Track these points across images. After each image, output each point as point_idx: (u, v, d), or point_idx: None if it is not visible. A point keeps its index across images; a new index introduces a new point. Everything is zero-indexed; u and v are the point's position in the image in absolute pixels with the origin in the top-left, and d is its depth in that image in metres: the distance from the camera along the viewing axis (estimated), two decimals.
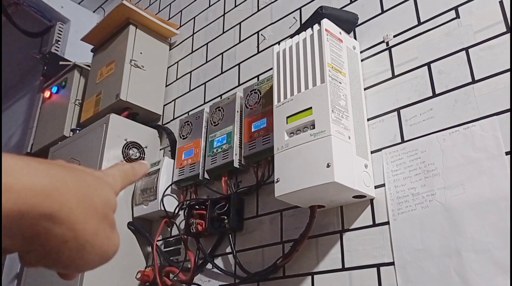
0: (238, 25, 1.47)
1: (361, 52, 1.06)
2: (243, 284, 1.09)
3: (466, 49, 0.89)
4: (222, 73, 1.44)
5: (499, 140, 0.79)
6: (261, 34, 1.36)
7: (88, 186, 0.24)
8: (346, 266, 0.92)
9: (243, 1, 1.49)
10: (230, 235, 1.14)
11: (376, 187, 0.93)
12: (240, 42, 1.43)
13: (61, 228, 0.22)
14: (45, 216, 0.21)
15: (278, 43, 1.21)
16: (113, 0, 2.27)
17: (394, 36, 1.02)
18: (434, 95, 0.91)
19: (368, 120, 0.99)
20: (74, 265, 0.24)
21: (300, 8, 1.28)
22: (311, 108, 0.91)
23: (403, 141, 0.92)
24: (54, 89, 1.91)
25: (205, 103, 1.45)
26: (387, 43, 1.03)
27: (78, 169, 0.25)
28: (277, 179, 0.91)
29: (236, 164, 1.16)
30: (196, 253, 1.20)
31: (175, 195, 1.35)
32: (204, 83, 1.49)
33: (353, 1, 1.14)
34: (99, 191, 0.25)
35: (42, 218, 0.21)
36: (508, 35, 0.84)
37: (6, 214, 0.20)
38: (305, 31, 1.00)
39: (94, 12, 2.42)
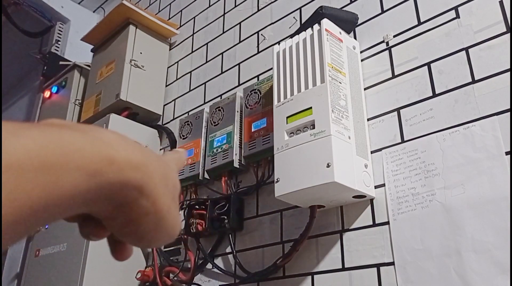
0: (238, 25, 1.47)
1: (361, 52, 1.06)
2: (243, 284, 1.09)
3: (466, 49, 0.89)
4: (222, 73, 1.44)
5: (499, 140, 0.79)
6: (261, 34, 1.36)
7: (164, 168, 0.26)
8: (346, 266, 0.92)
9: (243, 1, 1.49)
10: (230, 235, 1.14)
11: (376, 187, 0.93)
12: (240, 42, 1.43)
13: (145, 201, 0.24)
14: (136, 188, 0.23)
15: (278, 43, 1.21)
16: (113, 0, 2.27)
17: (394, 36, 1.02)
18: (434, 95, 0.91)
19: (368, 120, 0.99)
20: (147, 238, 0.26)
21: (300, 8, 1.28)
22: (311, 108, 0.91)
23: (403, 141, 0.92)
24: (54, 89, 1.91)
25: (205, 103, 1.45)
26: (387, 43, 1.03)
27: (152, 151, 0.27)
28: (277, 179, 0.91)
29: (236, 164, 1.16)
30: (196, 253, 1.20)
31: None
32: (204, 83, 1.49)
33: (353, 1, 1.14)
34: (170, 174, 0.27)
35: (133, 190, 0.23)
36: (508, 35, 0.84)
37: (108, 184, 0.22)
38: (305, 31, 1.00)
39: (94, 12, 2.42)
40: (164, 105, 1.62)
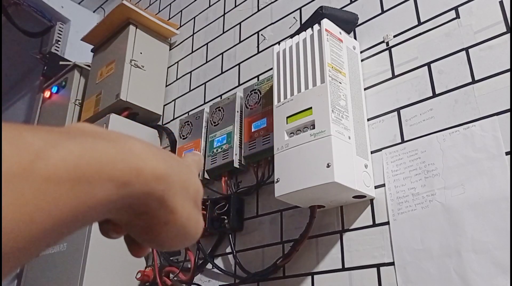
0: (238, 25, 1.47)
1: (361, 52, 1.06)
2: (243, 284, 1.09)
3: (466, 49, 0.89)
4: (222, 73, 1.44)
5: (499, 140, 0.79)
6: (261, 34, 1.36)
7: (185, 174, 0.27)
8: (346, 266, 0.92)
9: (243, 1, 1.49)
10: (230, 235, 1.14)
11: (376, 187, 0.93)
12: (240, 42, 1.43)
13: (164, 210, 0.25)
14: (157, 198, 0.24)
15: (278, 43, 1.21)
16: (113, 0, 2.27)
17: (394, 36, 1.02)
18: (434, 95, 0.91)
19: (368, 120, 0.99)
20: (167, 244, 0.27)
21: (300, 8, 1.28)
22: (311, 108, 0.91)
23: (403, 141, 0.92)
24: (54, 89, 1.91)
25: (205, 103, 1.45)
26: (387, 43, 1.03)
27: (176, 157, 0.28)
28: (277, 179, 0.91)
29: (236, 164, 1.16)
30: (196, 253, 1.20)
31: None
32: (204, 83, 1.49)
33: (353, 1, 1.14)
34: (192, 179, 0.27)
35: (155, 200, 0.24)
36: (508, 35, 0.84)
37: (133, 194, 0.22)
38: (305, 31, 1.00)
39: (94, 12, 2.42)
40: (164, 105, 1.62)
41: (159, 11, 1.91)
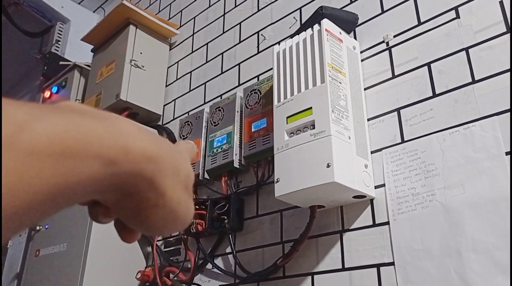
0: (238, 25, 1.47)
1: (361, 52, 1.06)
2: (243, 284, 1.09)
3: (466, 49, 0.89)
4: (222, 73, 1.44)
5: (499, 140, 0.79)
6: (261, 34, 1.36)
7: (177, 159, 0.26)
8: (346, 266, 0.92)
9: (243, 1, 1.49)
10: (230, 235, 1.14)
11: (376, 187, 0.93)
12: (240, 42, 1.43)
13: (154, 193, 0.24)
14: (147, 179, 0.23)
15: (278, 43, 1.21)
16: (113, 0, 2.27)
17: (394, 36, 1.02)
18: (434, 95, 0.91)
19: (368, 120, 0.99)
20: (156, 228, 0.26)
21: (300, 8, 1.28)
22: (311, 108, 0.91)
23: (403, 141, 0.92)
24: (54, 89, 1.91)
25: (205, 103, 1.45)
26: (387, 43, 1.03)
27: (168, 142, 0.28)
28: (277, 179, 0.91)
29: (236, 164, 1.16)
30: (196, 253, 1.20)
31: None
32: (204, 83, 1.49)
33: (353, 1, 1.14)
34: (183, 164, 0.27)
35: (144, 181, 0.23)
36: (508, 35, 0.84)
37: (122, 173, 0.22)
38: (305, 31, 1.00)
39: (94, 12, 2.42)
40: (164, 105, 1.62)
41: (159, 11, 1.91)
